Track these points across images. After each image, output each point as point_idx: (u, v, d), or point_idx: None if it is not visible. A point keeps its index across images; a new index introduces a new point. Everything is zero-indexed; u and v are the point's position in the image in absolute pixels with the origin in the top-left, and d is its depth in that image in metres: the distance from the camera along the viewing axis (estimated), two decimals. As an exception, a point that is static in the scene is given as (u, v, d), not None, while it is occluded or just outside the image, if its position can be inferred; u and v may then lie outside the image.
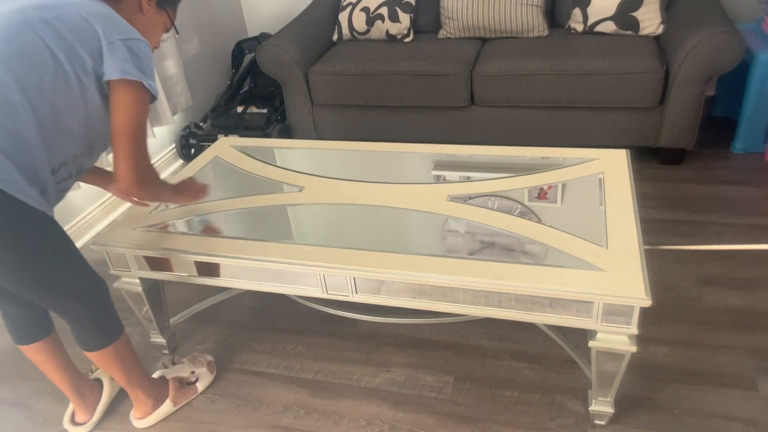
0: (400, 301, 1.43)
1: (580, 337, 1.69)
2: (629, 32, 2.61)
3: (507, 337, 1.79)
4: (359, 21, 2.91)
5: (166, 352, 1.87)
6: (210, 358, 1.79)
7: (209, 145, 2.20)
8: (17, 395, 1.78)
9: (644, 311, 1.77)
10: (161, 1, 1.41)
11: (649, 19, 2.56)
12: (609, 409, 1.46)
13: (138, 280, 1.65)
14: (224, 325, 1.97)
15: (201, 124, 3.08)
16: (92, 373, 1.71)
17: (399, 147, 1.96)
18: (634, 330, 1.27)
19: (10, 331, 1.49)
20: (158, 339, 1.83)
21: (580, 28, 2.69)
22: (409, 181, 1.73)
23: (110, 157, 2.50)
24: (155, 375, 1.69)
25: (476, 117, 2.67)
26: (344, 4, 2.96)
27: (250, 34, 3.64)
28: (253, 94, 3.21)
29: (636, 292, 1.22)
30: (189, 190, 1.62)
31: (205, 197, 1.69)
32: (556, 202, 1.56)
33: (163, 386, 1.65)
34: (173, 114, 2.86)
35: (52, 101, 1.18)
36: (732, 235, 2.11)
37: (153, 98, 1.28)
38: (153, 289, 1.71)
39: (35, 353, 1.51)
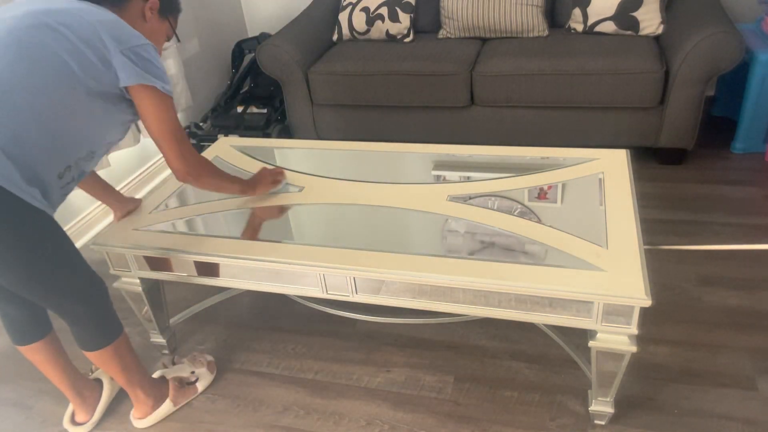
0: (400, 301, 1.43)
1: (580, 337, 1.69)
2: (629, 32, 2.61)
3: (507, 337, 1.79)
4: (359, 21, 2.91)
5: (166, 352, 1.87)
6: (210, 358, 1.79)
7: (209, 145, 2.20)
8: (17, 395, 1.78)
9: (644, 311, 1.77)
10: (163, 10, 1.44)
11: (649, 19, 2.56)
12: (609, 409, 1.46)
13: (138, 280, 1.65)
14: (224, 325, 1.97)
15: (201, 124, 3.08)
16: (92, 373, 1.71)
17: (399, 147, 1.96)
18: (634, 330, 1.27)
19: (8, 331, 1.49)
20: (158, 339, 1.83)
21: (580, 28, 2.69)
22: (409, 181, 1.73)
23: (109, 157, 2.51)
24: (155, 375, 1.69)
25: (476, 117, 2.67)
26: (344, 4, 2.96)
27: (250, 34, 3.64)
28: (253, 94, 3.20)
29: (636, 292, 1.22)
30: (264, 180, 1.70)
31: (284, 179, 1.76)
32: (556, 202, 1.56)
33: (163, 386, 1.65)
34: (173, 114, 2.86)
35: (57, 105, 1.19)
36: (732, 235, 2.11)
37: (169, 97, 1.34)
38: (153, 289, 1.71)
39: (34, 354, 1.51)
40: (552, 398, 1.58)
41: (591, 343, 1.33)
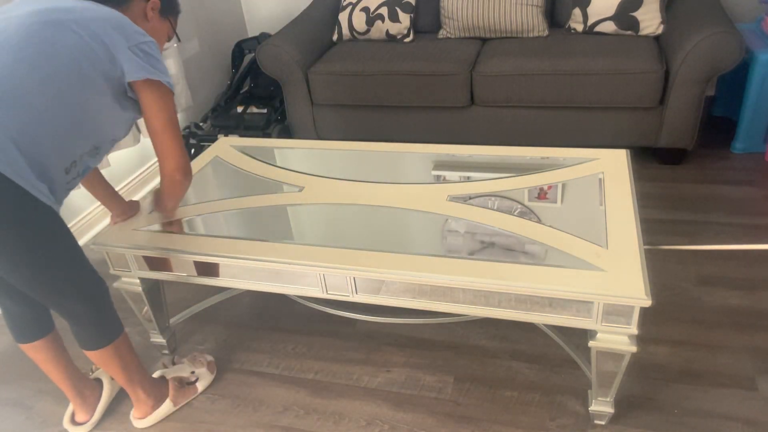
0: (400, 301, 1.43)
1: (580, 337, 1.69)
2: (629, 32, 2.61)
3: (507, 337, 1.79)
4: (359, 21, 2.91)
5: (166, 352, 1.87)
6: (210, 358, 1.79)
7: (209, 145, 2.20)
8: (17, 395, 1.78)
9: (644, 311, 1.78)
10: (164, 11, 1.48)
11: (649, 19, 2.56)
12: (609, 409, 1.46)
13: (138, 280, 1.65)
14: (224, 325, 1.97)
15: (201, 124, 3.08)
16: (92, 372, 1.71)
17: (399, 147, 1.96)
18: (634, 330, 1.27)
19: (11, 329, 1.49)
20: (158, 339, 1.83)
21: (580, 28, 2.69)
22: (409, 181, 1.73)
23: (109, 157, 2.51)
24: (155, 375, 1.69)
25: (476, 117, 2.67)
26: (344, 4, 2.96)
27: (250, 34, 3.64)
28: (253, 94, 3.20)
29: (636, 292, 1.22)
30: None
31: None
32: (556, 202, 1.56)
33: (163, 386, 1.65)
34: (173, 114, 2.86)
35: (66, 100, 1.21)
36: (732, 235, 2.11)
37: (172, 92, 1.36)
38: (153, 289, 1.71)
39: (36, 352, 1.51)
40: (552, 398, 1.58)
41: (591, 343, 1.33)
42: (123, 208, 1.68)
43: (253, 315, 2.00)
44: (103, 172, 2.39)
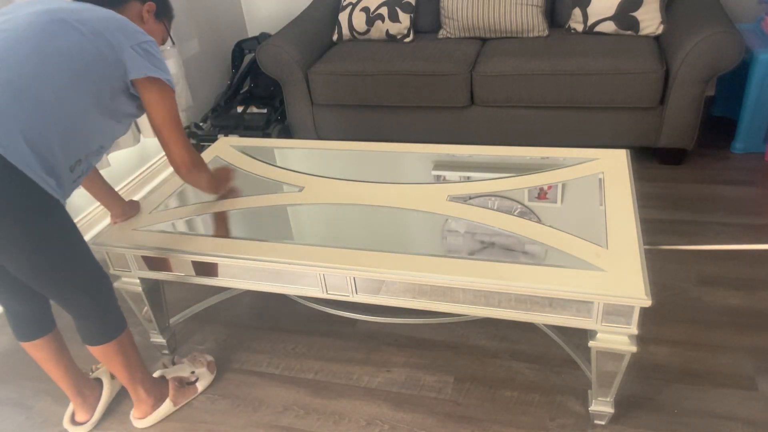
0: (400, 301, 1.43)
1: (580, 337, 1.69)
2: (629, 32, 2.61)
3: (507, 337, 1.79)
4: (359, 21, 2.91)
5: (166, 352, 1.87)
6: (210, 358, 1.79)
7: (209, 145, 2.20)
8: (17, 395, 1.78)
9: (644, 311, 1.78)
10: (159, 14, 1.52)
11: (649, 19, 2.56)
12: (609, 409, 1.46)
13: (138, 280, 1.65)
14: (224, 325, 1.97)
15: (201, 124, 3.08)
16: (92, 372, 1.71)
17: (399, 147, 1.96)
18: (634, 330, 1.27)
19: (12, 327, 1.50)
20: (158, 339, 1.83)
21: (580, 28, 2.69)
22: (409, 181, 1.73)
23: (109, 157, 2.51)
24: (155, 375, 1.69)
25: (476, 117, 2.67)
26: (344, 4, 2.96)
27: (250, 34, 3.64)
28: (253, 94, 3.21)
29: (636, 292, 1.22)
30: (224, 178, 1.74)
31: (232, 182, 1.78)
32: (556, 202, 1.56)
33: (163, 386, 1.65)
34: (173, 114, 2.86)
35: (74, 98, 1.23)
36: (732, 235, 2.11)
37: (172, 90, 1.40)
38: (153, 289, 1.71)
39: (37, 350, 1.52)
40: (552, 398, 1.58)
41: (591, 343, 1.33)
42: (123, 208, 1.68)
43: (253, 315, 2.00)
44: (103, 172, 2.39)
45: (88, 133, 1.29)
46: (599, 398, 1.45)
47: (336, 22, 3.00)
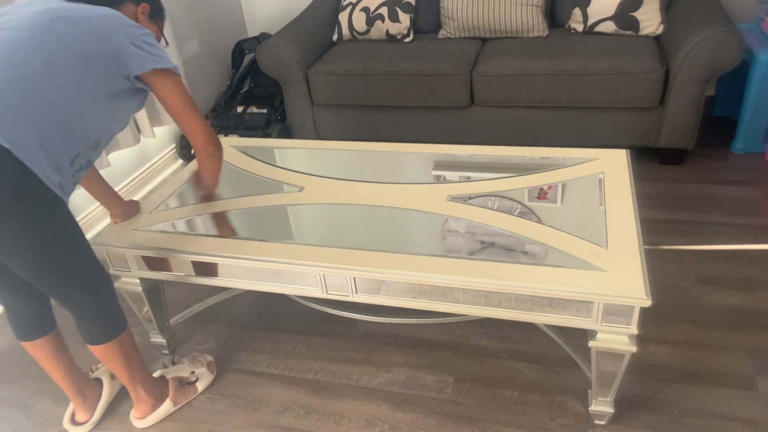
0: (400, 301, 1.43)
1: (580, 337, 1.69)
2: (629, 32, 2.61)
3: (507, 337, 1.79)
4: (359, 21, 2.91)
5: (166, 352, 1.87)
6: (210, 358, 1.79)
7: (209, 145, 2.19)
8: (17, 395, 1.78)
9: (644, 311, 1.78)
10: (153, 15, 1.54)
11: (649, 19, 2.56)
12: (609, 409, 1.46)
13: (138, 280, 1.65)
14: (224, 325, 1.97)
15: (201, 124, 3.08)
16: (92, 372, 1.71)
17: (399, 147, 1.96)
18: (634, 330, 1.27)
19: (12, 326, 1.50)
20: (158, 339, 1.83)
21: (580, 28, 2.69)
22: (409, 181, 1.73)
23: (109, 157, 2.51)
24: (155, 375, 1.69)
25: (476, 117, 2.67)
26: (344, 4, 2.96)
27: (250, 34, 3.64)
28: (253, 94, 3.20)
29: (636, 292, 1.22)
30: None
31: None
32: (556, 202, 1.56)
33: (163, 386, 1.65)
34: (173, 114, 2.86)
35: (75, 93, 1.24)
36: (732, 235, 2.11)
37: (179, 75, 1.42)
38: (153, 289, 1.71)
39: (37, 350, 1.52)
40: (552, 398, 1.58)
41: (591, 343, 1.33)
42: (123, 209, 1.68)
43: (253, 315, 2.00)
44: (103, 172, 2.39)
45: (87, 127, 1.30)
46: (599, 398, 1.45)
47: (336, 22, 3.00)
